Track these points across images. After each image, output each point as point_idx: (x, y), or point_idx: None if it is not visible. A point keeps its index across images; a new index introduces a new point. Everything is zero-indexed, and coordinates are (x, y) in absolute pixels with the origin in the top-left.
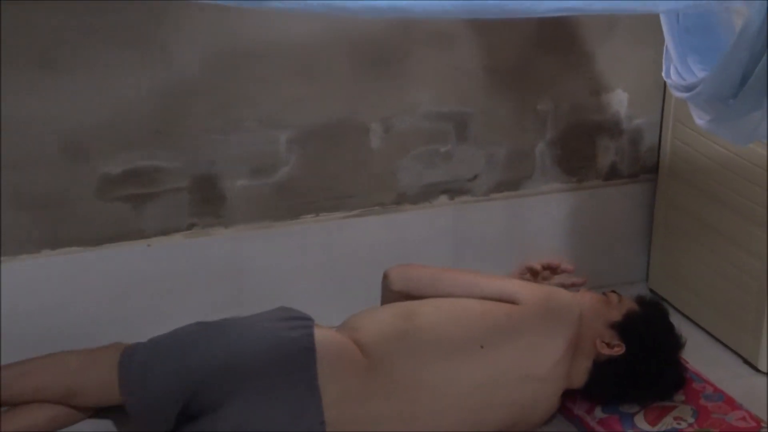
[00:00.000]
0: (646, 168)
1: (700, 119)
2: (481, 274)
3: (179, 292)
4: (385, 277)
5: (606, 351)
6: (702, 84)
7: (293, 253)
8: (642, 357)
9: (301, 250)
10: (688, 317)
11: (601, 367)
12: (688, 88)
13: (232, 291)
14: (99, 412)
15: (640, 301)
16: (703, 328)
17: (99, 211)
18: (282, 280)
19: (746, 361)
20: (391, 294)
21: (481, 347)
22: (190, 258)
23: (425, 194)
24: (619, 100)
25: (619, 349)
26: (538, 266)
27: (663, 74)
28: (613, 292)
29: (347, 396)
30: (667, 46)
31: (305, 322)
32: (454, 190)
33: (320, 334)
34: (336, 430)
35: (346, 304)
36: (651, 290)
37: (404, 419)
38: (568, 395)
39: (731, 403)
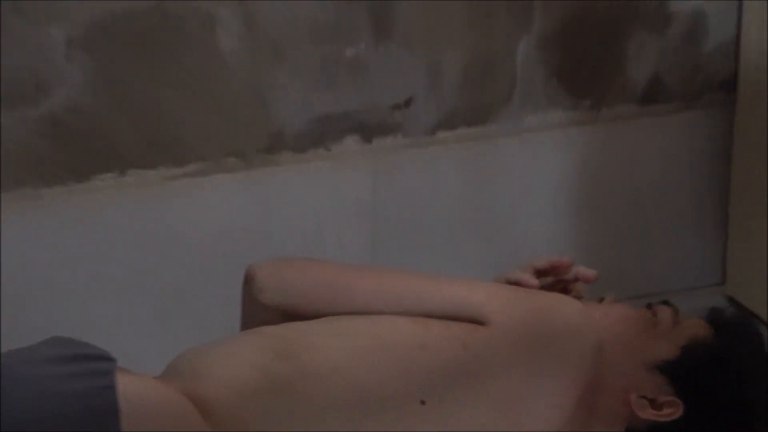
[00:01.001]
0: (714, 84)
1: None
2: (423, 276)
3: None
4: (249, 280)
5: (648, 414)
6: None
7: (81, 240)
8: (714, 424)
9: (95, 233)
10: None
11: None
12: None
13: None
14: None
15: (714, 319)
16: None
17: None
18: (60, 287)
19: None
20: (259, 311)
21: (422, 403)
22: None
23: (319, 135)
24: None
25: (672, 412)
26: (527, 277)
27: None
28: (665, 303)
29: None
30: None
31: (102, 364)
32: (370, 126)
33: (130, 387)
34: None
35: (176, 333)
36: (730, 299)
37: None
38: None
39: None
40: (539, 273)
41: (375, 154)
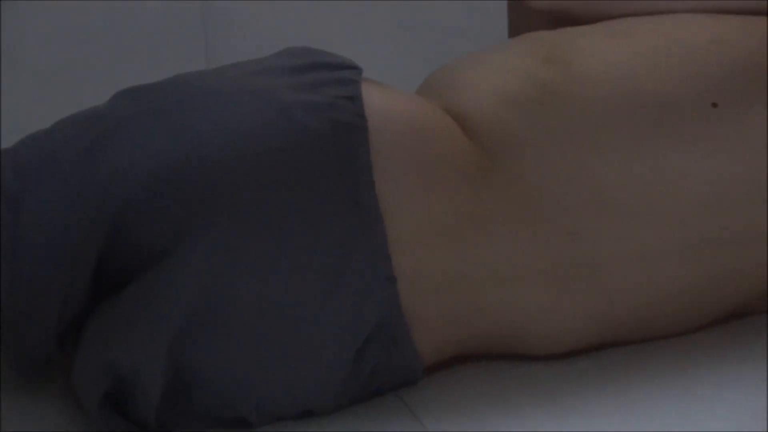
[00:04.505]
0: None
1: None
2: None
3: None
4: None
5: None
6: None
7: None
8: None
9: None
10: None
11: None
12: None
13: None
14: None
15: None
16: None
17: None
18: None
19: None
20: (527, 19)
21: (713, 105)
22: None
23: None
24: None
25: None
26: None
27: None
28: None
29: (439, 225)
30: None
31: (345, 73)
32: None
33: (377, 98)
34: (419, 288)
35: (428, 45)
36: None
37: (561, 262)
38: None
39: None
40: None
41: None
